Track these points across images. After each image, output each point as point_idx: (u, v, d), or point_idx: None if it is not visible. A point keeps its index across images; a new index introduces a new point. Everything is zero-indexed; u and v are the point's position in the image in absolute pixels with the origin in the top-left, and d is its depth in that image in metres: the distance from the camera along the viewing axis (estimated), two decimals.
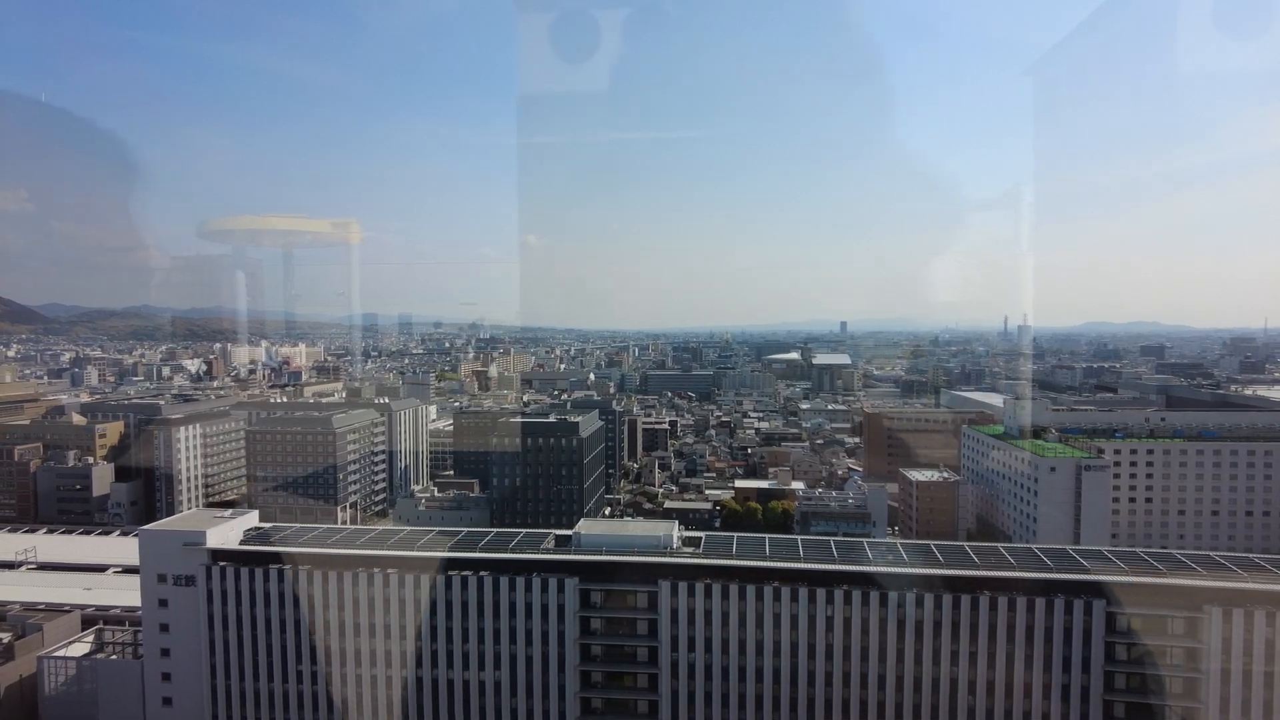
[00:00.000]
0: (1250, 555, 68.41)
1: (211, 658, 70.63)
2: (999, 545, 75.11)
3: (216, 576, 70.24)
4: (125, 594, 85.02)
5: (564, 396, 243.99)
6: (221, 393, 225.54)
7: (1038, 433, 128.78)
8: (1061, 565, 64.80)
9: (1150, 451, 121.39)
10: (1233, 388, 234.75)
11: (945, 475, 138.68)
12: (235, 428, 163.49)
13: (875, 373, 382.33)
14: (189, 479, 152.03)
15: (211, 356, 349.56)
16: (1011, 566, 64.60)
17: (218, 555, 70.82)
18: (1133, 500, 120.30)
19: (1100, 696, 60.38)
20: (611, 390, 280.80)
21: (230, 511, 78.79)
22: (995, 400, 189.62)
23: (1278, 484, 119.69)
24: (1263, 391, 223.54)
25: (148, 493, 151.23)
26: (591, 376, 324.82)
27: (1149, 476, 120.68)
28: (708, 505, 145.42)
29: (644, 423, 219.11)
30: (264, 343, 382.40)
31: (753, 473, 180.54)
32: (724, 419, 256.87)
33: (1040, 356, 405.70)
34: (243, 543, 73.35)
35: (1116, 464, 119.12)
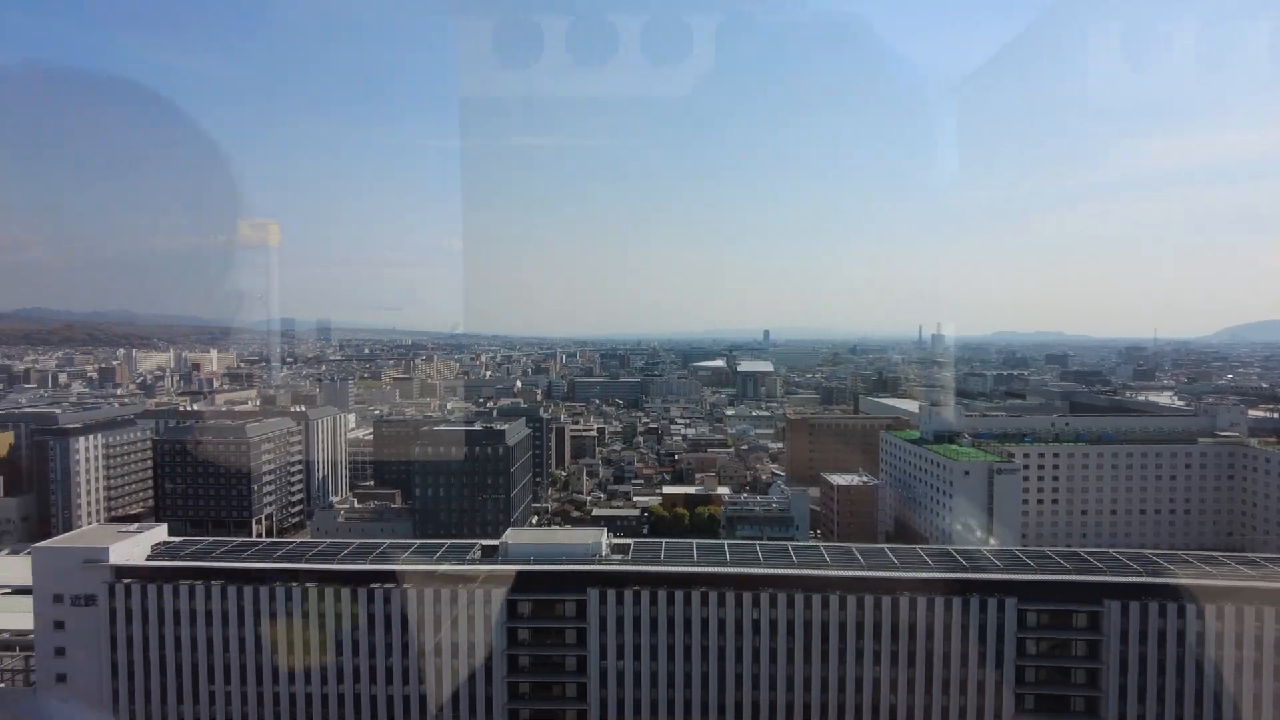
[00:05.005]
0: (1144, 551, 72.67)
1: (114, 682, 66.79)
2: (917, 547, 77.74)
3: (120, 595, 66.54)
4: (15, 616, 79.34)
5: (490, 404, 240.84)
6: (126, 401, 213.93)
7: (952, 437, 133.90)
8: (976, 565, 67.52)
9: (1056, 455, 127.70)
10: (1128, 394, 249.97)
11: (865, 479, 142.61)
12: (141, 438, 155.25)
13: (797, 380, 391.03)
14: (89, 492, 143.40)
15: (115, 362, 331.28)
16: (929, 568, 66.93)
17: (122, 572, 67.09)
18: (1040, 502, 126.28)
19: (1012, 690, 63.10)
20: (539, 397, 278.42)
21: (136, 526, 74.86)
22: (911, 406, 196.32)
23: (1168, 484, 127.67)
24: (1153, 397, 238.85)
25: (41, 508, 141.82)
26: (518, 384, 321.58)
27: (1055, 479, 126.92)
28: (636, 512, 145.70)
29: (572, 430, 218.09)
30: (172, 348, 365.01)
31: (680, 479, 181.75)
32: (651, 426, 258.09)
33: (953, 364, 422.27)
34: (150, 558, 69.74)
35: (1026, 467, 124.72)
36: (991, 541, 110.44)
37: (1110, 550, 72.37)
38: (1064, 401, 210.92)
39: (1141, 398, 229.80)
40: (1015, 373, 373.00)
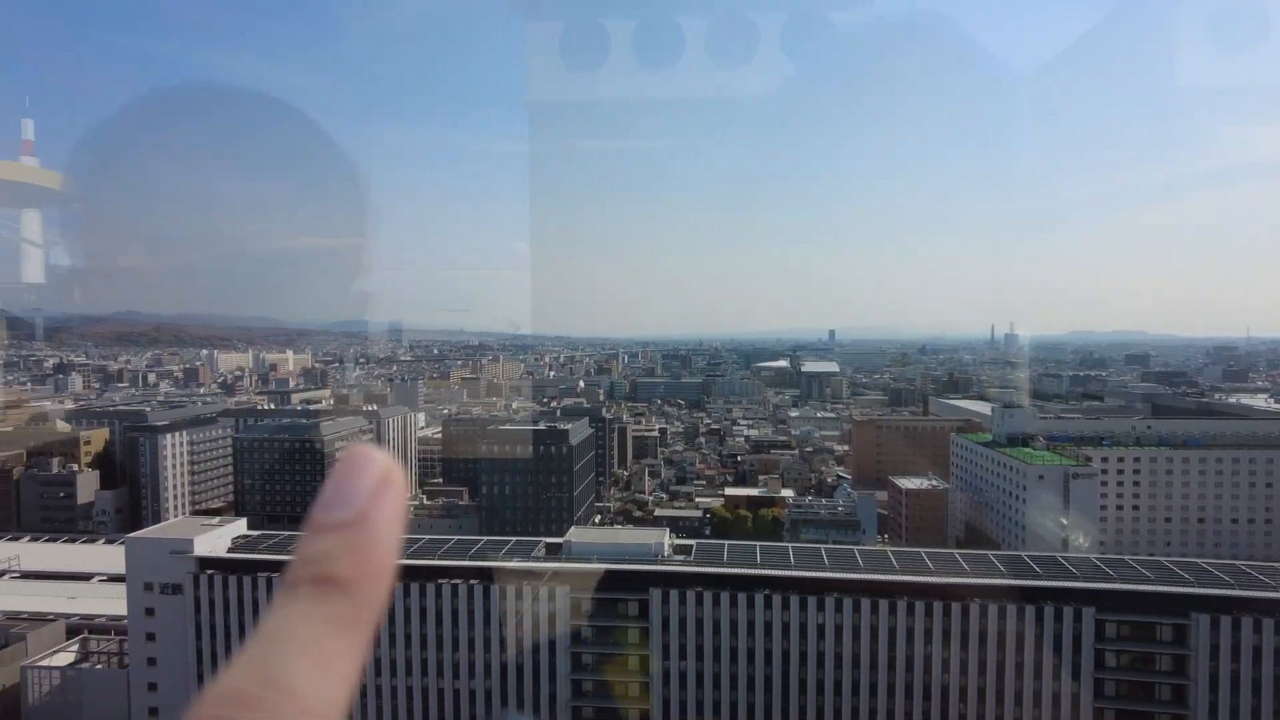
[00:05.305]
0: (1236, 562, 69.02)
1: (199, 667, 69.89)
2: (989, 553, 75.58)
3: (204, 584, 69.62)
4: (110, 603, 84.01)
5: (554, 404, 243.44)
6: (208, 399, 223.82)
7: (1025, 440, 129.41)
8: (1051, 572, 65.18)
9: (1137, 459, 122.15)
10: (1217, 396, 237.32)
11: (934, 483, 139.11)
12: (222, 434, 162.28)
13: (863, 381, 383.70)
14: (175, 486, 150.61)
15: (198, 363, 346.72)
16: (1002, 574, 64.93)
17: (205, 563, 70.21)
18: (1120, 508, 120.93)
19: (1090, 704, 60.71)
20: (601, 398, 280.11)
21: (218, 519, 78.31)
22: (983, 408, 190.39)
23: (1263, 491, 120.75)
24: (1246, 399, 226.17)
25: (133, 500, 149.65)
26: (581, 384, 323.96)
27: (1136, 484, 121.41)
28: (698, 513, 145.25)
29: (634, 430, 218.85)
30: (251, 349, 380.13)
31: (742, 480, 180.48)
32: (714, 426, 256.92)
33: (1027, 365, 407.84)
34: (231, 550, 72.78)
35: (1104, 472, 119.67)
36: (1072, 547, 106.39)
37: (1198, 560, 68.94)
38: (1145, 404, 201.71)
39: (1233, 400, 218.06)
40: (1093, 374, 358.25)
